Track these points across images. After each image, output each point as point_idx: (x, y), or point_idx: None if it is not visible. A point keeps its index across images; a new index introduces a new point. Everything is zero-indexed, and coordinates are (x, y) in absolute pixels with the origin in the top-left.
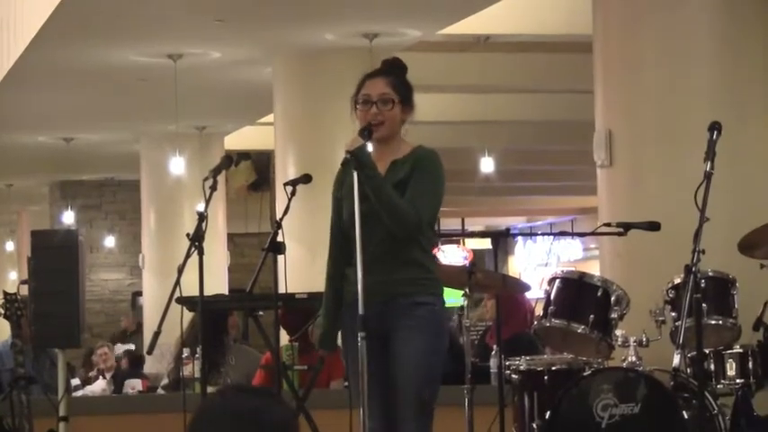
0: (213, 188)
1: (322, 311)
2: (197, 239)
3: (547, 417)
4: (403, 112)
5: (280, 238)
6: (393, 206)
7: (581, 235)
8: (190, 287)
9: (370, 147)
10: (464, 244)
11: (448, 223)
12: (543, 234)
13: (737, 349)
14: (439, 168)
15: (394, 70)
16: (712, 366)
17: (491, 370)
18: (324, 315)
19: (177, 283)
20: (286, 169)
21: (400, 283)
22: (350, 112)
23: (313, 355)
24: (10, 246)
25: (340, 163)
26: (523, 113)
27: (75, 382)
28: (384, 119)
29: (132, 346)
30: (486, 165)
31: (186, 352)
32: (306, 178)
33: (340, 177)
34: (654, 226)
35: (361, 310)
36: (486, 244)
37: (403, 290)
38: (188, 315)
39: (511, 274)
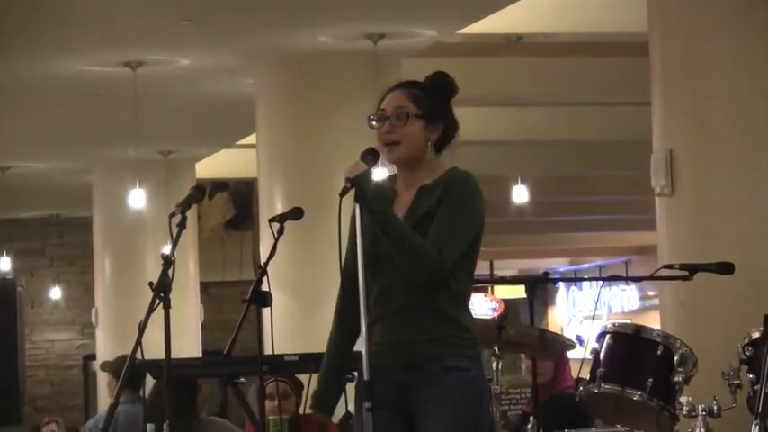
0: (182, 226)
1: (321, 367)
2: (162, 290)
3: None
4: (428, 129)
5: (265, 288)
6: (406, 246)
7: (637, 279)
8: (154, 348)
9: (383, 172)
10: (493, 292)
11: None
12: (590, 279)
13: None
14: (472, 195)
15: (426, 84)
16: None
17: None
18: (323, 371)
19: (138, 343)
20: (272, 202)
21: (425, 343)
22: (351, 131)
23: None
24: None
25: (338, 194)
26: (565, 132)
27: None
28: (398, 137)
29: None
30: (520, 194)
31: (150, 428)
32: (296, 213)
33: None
34: (726, 268)
35: (366, 376)
36: (520, 292)
37: (429, 352)
38: (151, 383)
39: (551, 328)
